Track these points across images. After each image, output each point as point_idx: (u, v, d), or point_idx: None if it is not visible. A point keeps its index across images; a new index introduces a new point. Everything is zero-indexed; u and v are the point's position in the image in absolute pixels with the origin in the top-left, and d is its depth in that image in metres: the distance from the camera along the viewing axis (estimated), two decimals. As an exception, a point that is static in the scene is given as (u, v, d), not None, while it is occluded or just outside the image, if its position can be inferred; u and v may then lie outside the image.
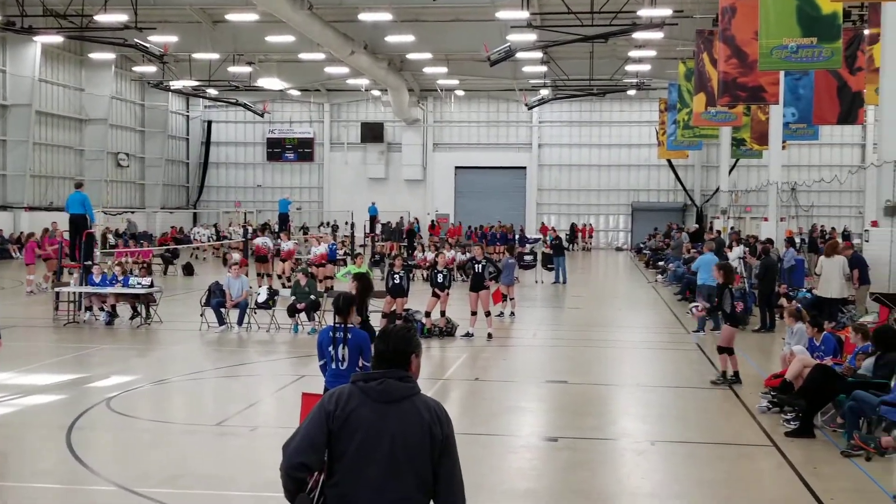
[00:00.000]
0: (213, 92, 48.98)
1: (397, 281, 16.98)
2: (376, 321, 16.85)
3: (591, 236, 51.08)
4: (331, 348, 7.64)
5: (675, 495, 8.27)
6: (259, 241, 26.89)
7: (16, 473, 8.75)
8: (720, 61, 20.25)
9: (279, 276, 25.16)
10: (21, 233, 36.08)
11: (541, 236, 44.76)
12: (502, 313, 19.70)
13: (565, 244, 33.84)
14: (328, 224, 48.67)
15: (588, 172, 52.23)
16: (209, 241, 41.44)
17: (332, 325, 7.76)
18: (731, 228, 33.18)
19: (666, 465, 9.29)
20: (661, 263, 32.26)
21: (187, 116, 56.35)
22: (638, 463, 9.22)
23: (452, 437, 4.05)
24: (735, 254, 22.45)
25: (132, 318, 18.29)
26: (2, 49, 39.55)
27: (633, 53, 37.64)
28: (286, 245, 26.05)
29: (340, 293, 8.37)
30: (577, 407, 11.60)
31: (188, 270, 29.90)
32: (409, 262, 29.19)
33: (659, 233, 43.13)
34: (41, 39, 37.77)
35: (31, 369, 12.97)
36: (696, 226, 42.94)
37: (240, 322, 17.61)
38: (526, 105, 47.76)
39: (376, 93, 50.20)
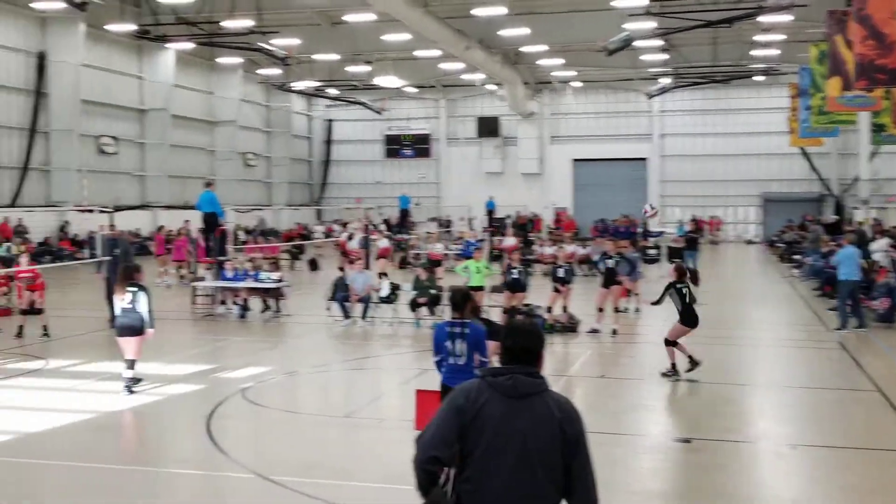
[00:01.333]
0: (333, 92, 50.15)
1: (515, 276, 16.92)
2: (496, 317, 16.85)
3: (718, 229, 49.61)
4: (448, 343, 7.63)
5: (819, 501, 7.86)
6: (346, 236, 28.59)
7: (159, 459, 9.14)
8: (856, 43, 19.20)
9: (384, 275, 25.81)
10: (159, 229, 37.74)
11: (664, 229, 43.69)
12: (626, 309, 19.33)
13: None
14: (435, 219, 48.85)
15: (714, 162, 50.72)
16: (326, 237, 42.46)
17: (450, 320, 7.76)
18: (874, 220, 31.48)
19: (808, 469, 8.86)
20: (796, 257, 30.95)
21: (309, 116, 57.78)
22: (778, 466, 8.84)
23: (584, 435, 3.99)
24: (879, 246, 21.24)
25: (263, 311, 18.86)
26: (139, 57, 41.47)
27: (760, 37, 36.26)
28: (382, 242, 26.65)
29: (457, 288, 8.38)
30: (711, 407, 11.23)
31: (313, 266, 30.61)
32: (528, 257, 29.06)
33: (794, 225, 41.47)
34: (174, 46, 39.46)
35: (173, 360, 13.51)
36: (835, 217, 41.02)
37: (363, 316, 17.89)
38: (646, 94, 46.79)
39: (491, 87, 50.16)
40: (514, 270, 17.01)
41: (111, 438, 9.81)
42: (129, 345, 11.29)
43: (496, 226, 42.99)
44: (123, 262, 13.71)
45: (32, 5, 32.07)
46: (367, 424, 10.40)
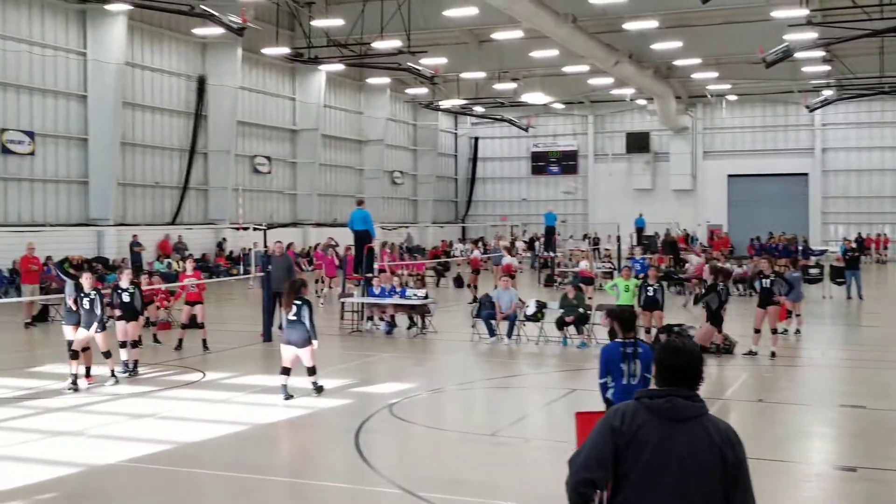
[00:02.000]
0: (479, 109, 50.64)
1: (650, 293, 16.58)
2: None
3: (885, 247, 46.96)
4: (622, 364, 7.52)
5: None
6: (476, 253, 28.93)
7: (309, 471, 9.43)
8: None
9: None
10: (310, 247, 39.15)
11: (827, 248, 41.66)
12: (786, 330, 18.53)
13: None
14: (586, 236, 48.36)
15: (881, 178, 48.13)
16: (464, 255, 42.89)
17: (621, 340, 7.65)
18: None
19: None
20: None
21: (455, 134, 58.56)
22: (956, 499, 8.26)
23: (745, 462, 3.87)
24: None
25: (409, 328, 19.18)
26: (292, 79, 43.24)
27: (933, 45, 34.22)
28: (506, 259, 26.60)
29: (625, 307, 8.29)
30: (879, 435, 10.61)
31: (458, 283, 30.94)
32: (678, 276, 28.40)
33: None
34: (325, 68, 40.93)
35: (322, 374, 13.88)
36: None
37: (509, 334, 17.90)
38: (807, 107, 44.92)
39: (642, 102, 49.41)
40: (650, 288, 16.67)
41: (264, 449, 10.19)
42: (294, 354, 12.02)
43: (646, 243, 42.18)
44: (288, 278, 14.48)
45: (194, 31, 33.99)
46: (513, 443, 10.39)
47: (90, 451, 9.67)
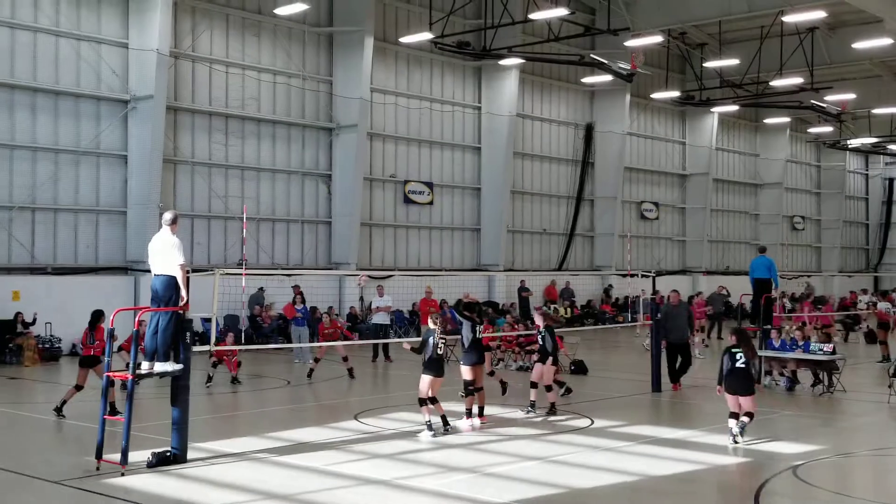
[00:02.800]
0: (894, 148, 46.81)
1: None
2: None
3: None
4: None
5: None
6: (882, 306, 27.16)
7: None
8: None
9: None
10: (698, 293, 38.34)
11: None
12: None
13: None
14: None
15: None
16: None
17: None
18: None
19: None
20: None
21: (866, 175, 54.50)
22: None
23: None
24: None
25: (813, 385, 17.93)
26: (681, 122, 43.03)
27: None
28: (882, 305, 24.04)
29: None
30: None
31: (870, 338, 28.36)
32: None
33: None
34: (718, 110, 40.31)
35: (717, 428, 13.45)
36: None
37: (937, 398, 16.02)
38: None
39: None
40: None
41: (657, 503, 10.00)
42: (739, 402, 12.57)
43: None
44: (688, 328, 15.97)
45: (583, 80, 35.22)
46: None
47: (482, 489, 10.10)
